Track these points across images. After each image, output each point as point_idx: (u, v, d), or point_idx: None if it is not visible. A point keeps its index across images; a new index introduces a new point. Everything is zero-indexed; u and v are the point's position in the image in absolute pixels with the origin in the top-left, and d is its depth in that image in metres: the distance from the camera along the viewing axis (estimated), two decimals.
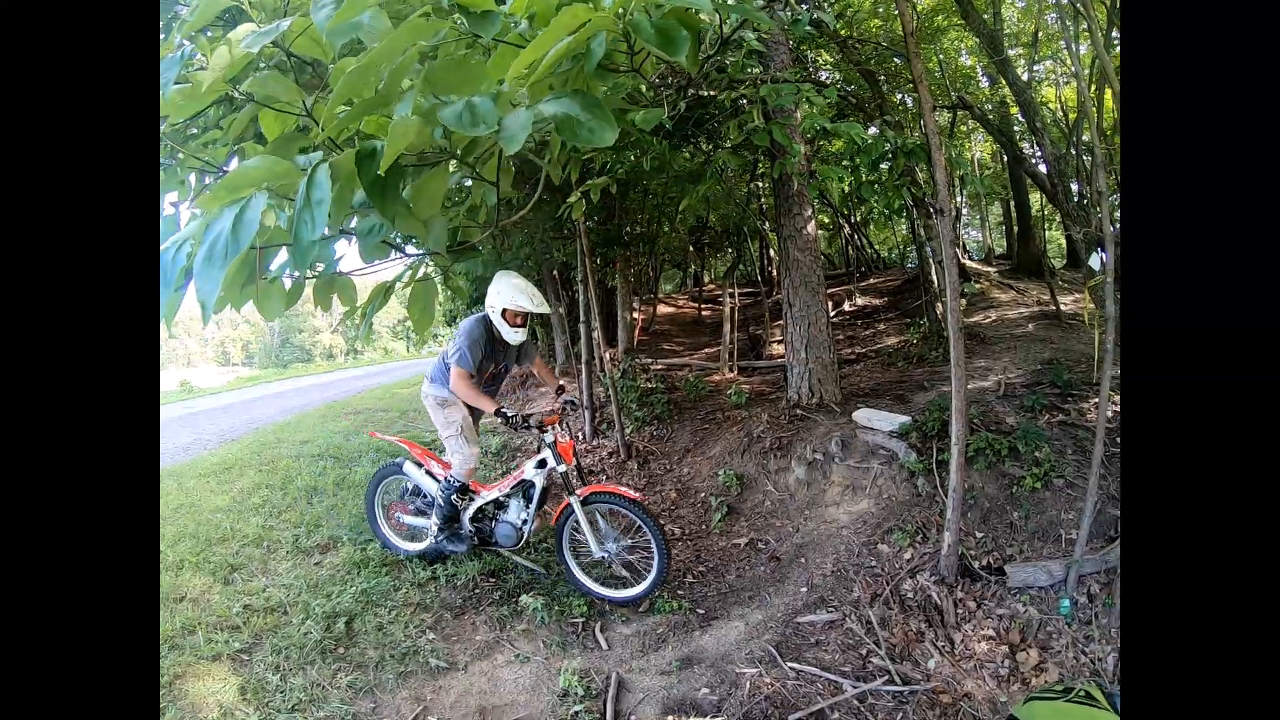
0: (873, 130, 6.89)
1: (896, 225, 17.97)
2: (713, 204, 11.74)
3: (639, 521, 5.21)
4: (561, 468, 5.18)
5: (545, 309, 5.15)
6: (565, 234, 9.55)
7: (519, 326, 5.11)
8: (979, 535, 5.39)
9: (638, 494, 5.30)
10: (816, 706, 3.93)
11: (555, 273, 12.27)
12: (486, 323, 5.16)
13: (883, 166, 6.13)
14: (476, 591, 5.36)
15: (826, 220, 17.57)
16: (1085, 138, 7.46)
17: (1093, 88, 8.03)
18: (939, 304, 10.34)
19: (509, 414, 4.96)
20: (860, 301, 15.63)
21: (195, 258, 1.14)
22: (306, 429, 10.44)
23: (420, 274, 1.89)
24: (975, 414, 6.76)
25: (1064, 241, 17.10)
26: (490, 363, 5.31)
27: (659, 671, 4.38)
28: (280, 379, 24.93)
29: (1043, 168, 8.96)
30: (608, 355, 9.34)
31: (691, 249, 16.26)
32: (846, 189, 6.66)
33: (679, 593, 5.47)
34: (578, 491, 5.22)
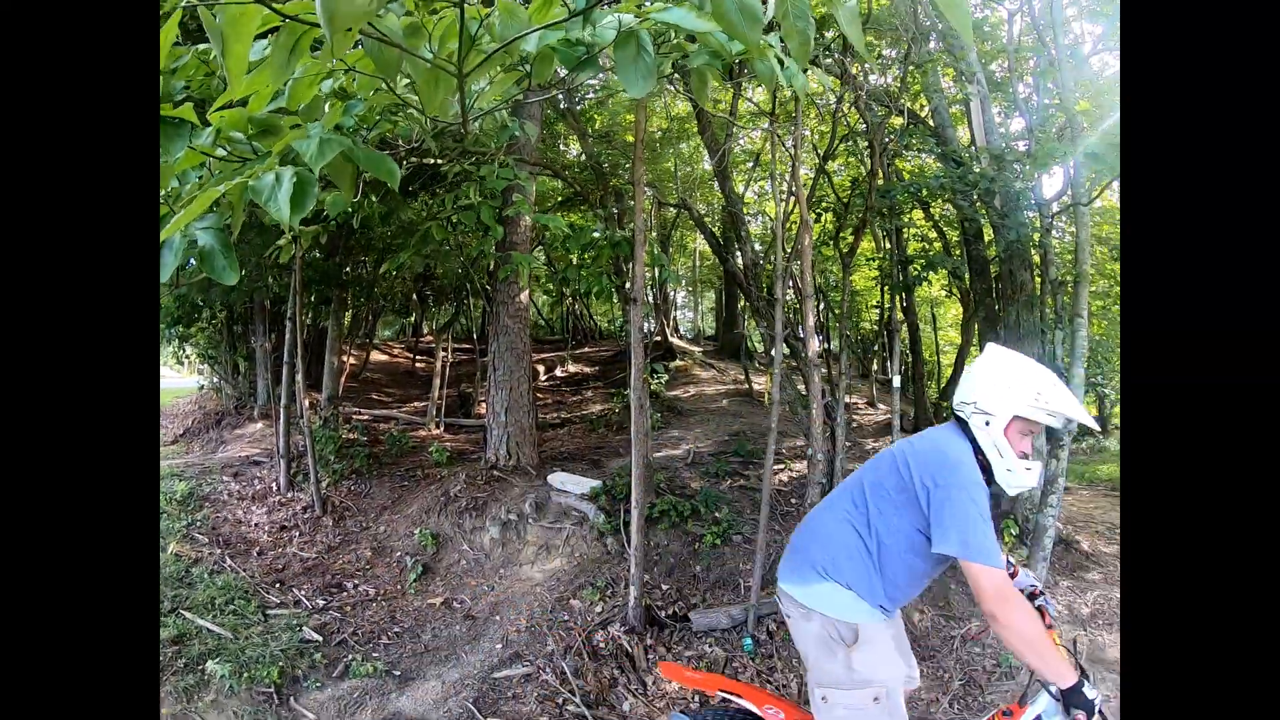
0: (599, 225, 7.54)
1: (613, 302, 19.16)
2: (440, 258, 11.85)
3: None
4: None
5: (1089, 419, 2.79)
6: (282, 264, 9.08)
7: (1027, 457, 2.66)
8: (664, 587, 6.07)
9: None
10: None
11: (266, 304, 11.46)
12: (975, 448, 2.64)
13: (588, 255, 6.70)
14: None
15: (552, 287, 18.32)
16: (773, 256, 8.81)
17: (793, 208, 9.42)
18: None
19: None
20: (572, 368, 16.46)
21: None
22: None
23: None
24: (663, 479, 7.59)
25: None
26: None
27: None
28: None
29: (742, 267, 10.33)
30: (308, 401, 8.92)
31: (415, 298, 16.09)
32: (557, 269, 7.20)
33: (374, 655, 5.43)
34: None
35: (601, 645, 5.35)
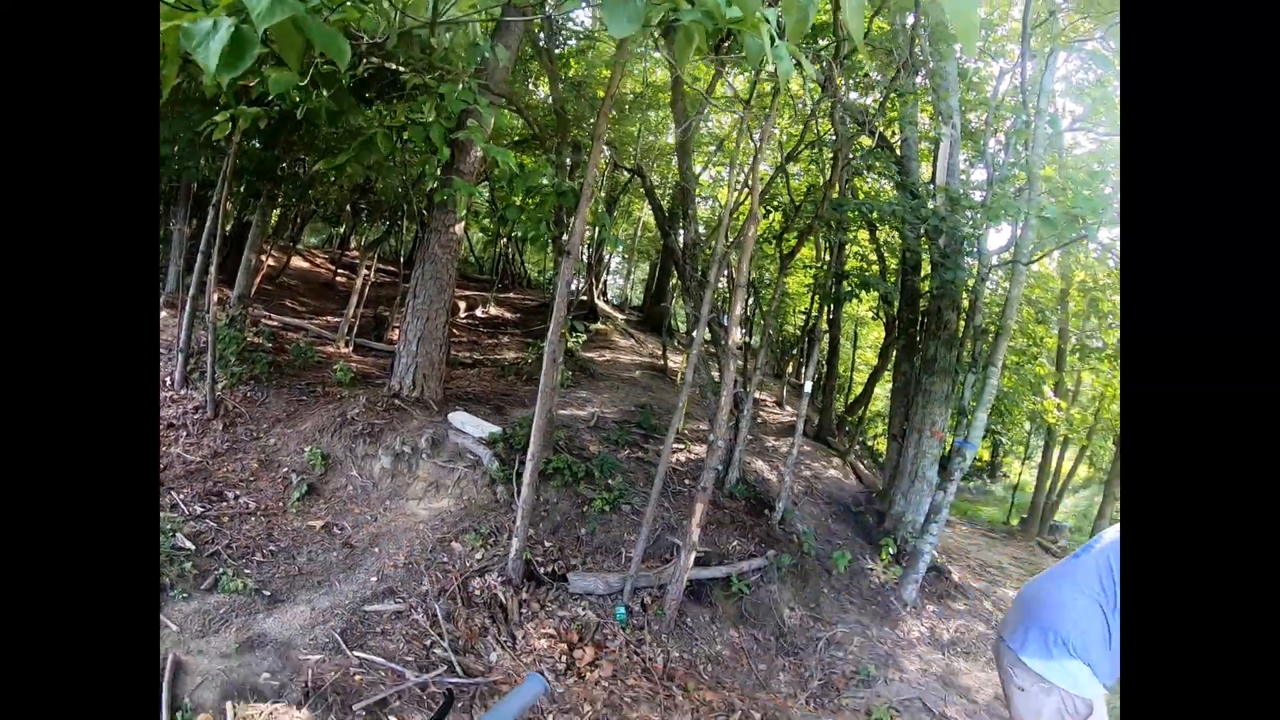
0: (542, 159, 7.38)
1: (546, 251, 18.95)
2: (382, 172, 11.42)
3: None
4: None
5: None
6: (215, 145, 8.57)
7: None
8: (548, 544, 6.11)
9: None
10: (380, 695, 4.10)
11: (193, 186, 10.85)
12: None
13: (533, 197, 6.59)
14: None
15: (489, 224, 17.96)
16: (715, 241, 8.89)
17: (744, 199, 9.46)
18: None
19: None
20: (494, 310, 16.24)
21: None
22: None
23: None
24: (562, 437, 7.61)
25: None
26: None
27: (219, 654, 4.23)
28: None
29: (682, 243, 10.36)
30: (217, 296, 8.52)
31: (349, 209, 15.53)
32: (498, 205, 7.03)
33: (246, 571, 5.28)
34: None
35: (476, 593, 5.35)
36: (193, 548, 5.34)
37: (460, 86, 5.74)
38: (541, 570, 5.80)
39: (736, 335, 6.51)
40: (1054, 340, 14.20)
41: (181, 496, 6.24)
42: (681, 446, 8.87)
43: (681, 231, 9.98)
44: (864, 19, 1.49)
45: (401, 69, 6.72)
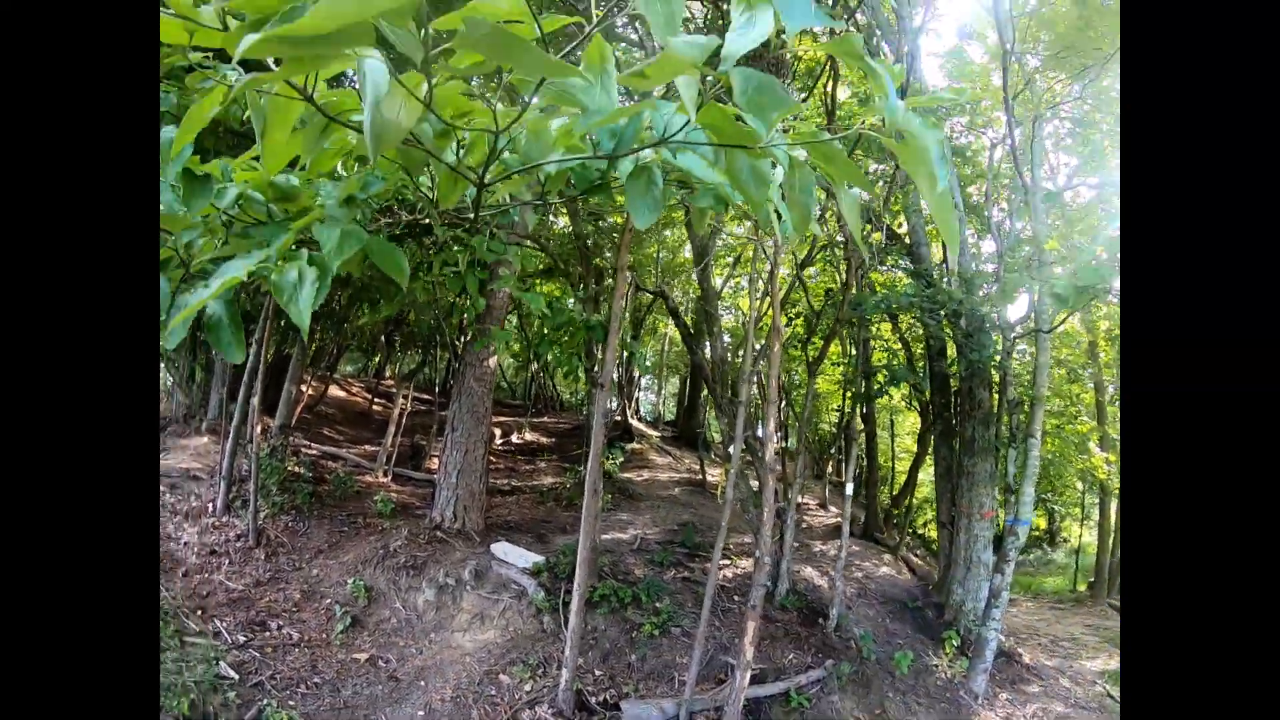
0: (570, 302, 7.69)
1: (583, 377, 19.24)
2: (415, 307, 11.87)
3: None
4: None
5: None
6: (255, 286, 9.02)
7: None
8: (598, 673, 5.98)
9: None
10: None
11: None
12: None
13: (562, 334, 6.83)
14: None
15: (519, 350, 18.37)
16: (740, 356, 9.02)
17: (765, 311, 9.68)
18: None
19: None
20: (529, 436, 16.37)
21: None
22: None
23: None
24: (607, 563, 7.54)
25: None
26: None
27: None
28: None
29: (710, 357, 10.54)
30: (260, 426, 8.79)
31: (382, 339, 16.02)
32: (517, 349, 7.28)
33: (290, 703, 5.29)
34: None
35: None
36: (236, 677, 5.38)
37: (488, 239, 6.07)
38: (593, 700, 5.68)
39: (773, 449, 6.52)
40: (1091, 395, 13.90)
41: (225, 624, 6.29)
42: (728, 562, 8.72)
43: (709, 347, 10.14)
44: (858, 214, 1.63)
45: (426, 220, 7.07)
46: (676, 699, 5.68)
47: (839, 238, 9.06)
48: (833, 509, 13.64)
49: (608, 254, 12.05)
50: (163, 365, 13.24)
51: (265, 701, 5.18)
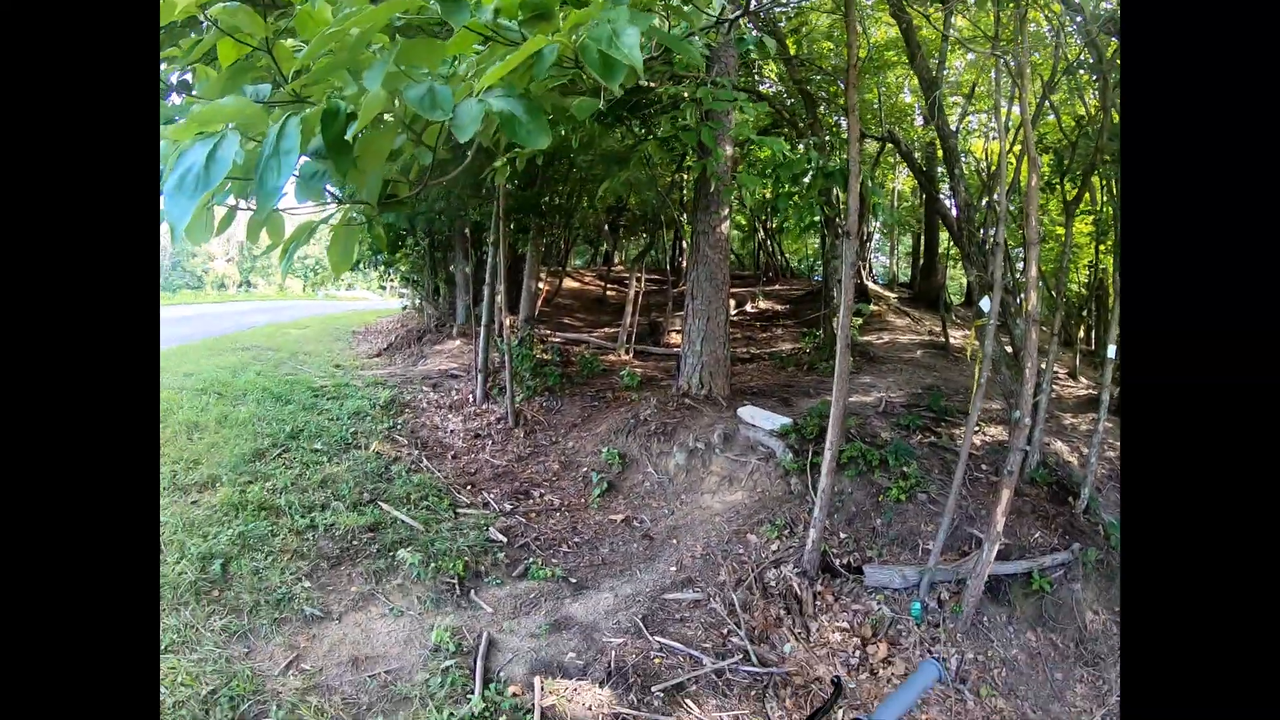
0: (799, 147, 7.16)
1: (809, 238, 18.52)
2: (634, 188, 11.85)
3: None
4: None
5: None
6: (483, 194, 9.47)
7: None
8: (842, 536, 5.76)
9: None
10: (678, 679, 4.14)
11: (467, 231, 12.12)
12: None
13: (802, 181, 6.39)
14: (354, 543, 5.36)
15: (743, 221, 17.95)
16: (996, 195, 8.02)
17: (1014, 148, 8.57)
18: (835, 318, 10.80)
19: None
20: (763, 305, 16.09)
21: (166, 182, 1.19)
22: (191, 361, 9.96)
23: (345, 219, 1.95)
24: (853, 425, 7.19)
25: (965, 280, 18.05)
26: None
27: (529, 634, 4.52)
28: (168, 304, 23.62)
29: (954, 210, 9.49)
30: (508, 321, 9.35)
31: (606, 228, 16.34)
32: (766, 196, 6.91)
33: (553, 561, 5.61)
34: None
35: (772, 584, 5.19)
36: (504, 540, 5.76)
37: (715, 88, 5.76)
38: (837, 562, 5.48)
39: (1034, 299, 5.67)
40: None
41: (492, 496, 6.80)
42: (976, 429, 8.05)
43: (950, 193, 9.13)
44: None
45: (647, 83, 6.87)
46: (919, 567, 5.31)
47: (1087, 57, 7.63)
48: (1083, 380, 12.13)
49: (825, 102, 11.20)
50: (410, 288, 14.57)
51: (530, 560, 5.53)
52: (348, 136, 1.38)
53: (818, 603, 5.10)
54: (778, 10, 9.75)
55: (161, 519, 5.13)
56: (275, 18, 1.42)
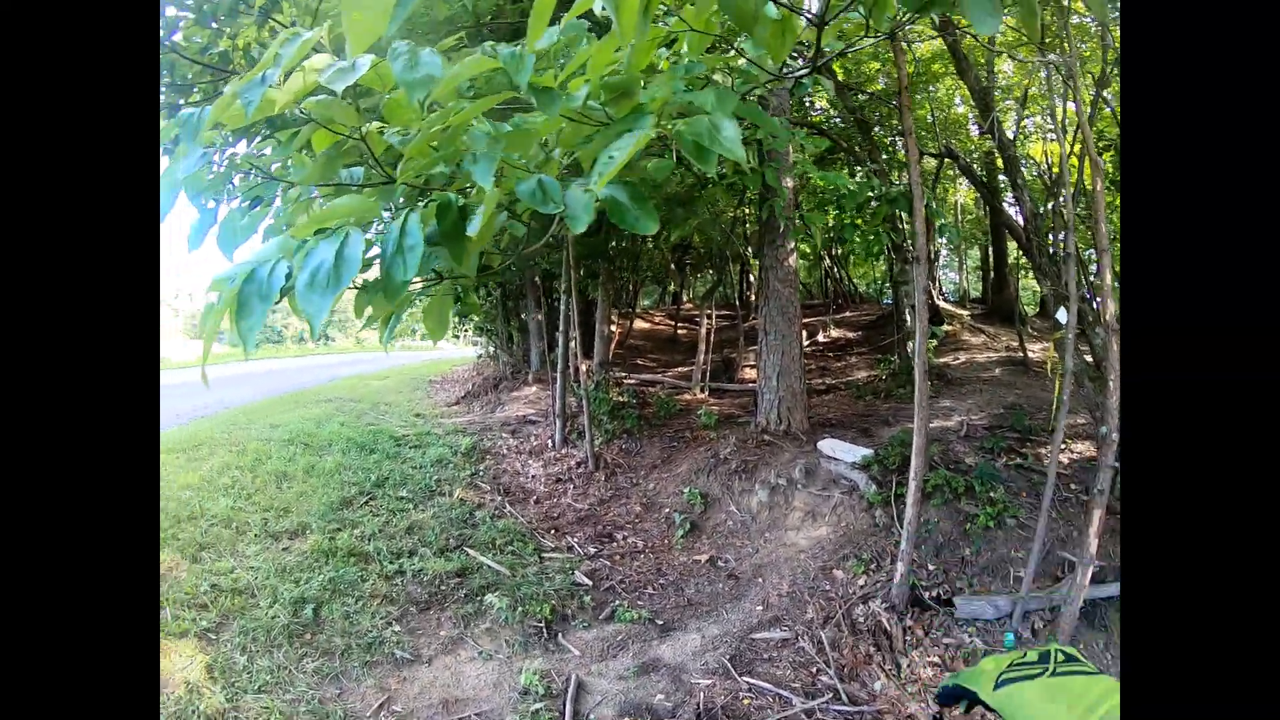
0: (858, 175, 7.17)
1: (875, 262, 18.31)
2: (699, 228, 11.96)
3: None
4: None
5: None
6: (549, 243, 9.68)
7: None
8: (931, 567, 5.63)
9: None
10: None
11: (537, 279, 12.40)
12: None
13: (867, 210, 6.40)
14: (442, 588, 5.49)
15: (807, 250, 17.85)
16: (1061, 199, 7.85)
17: (1074, 149, 8.39)
18: (909, 343, 10.64)
19: None
20: (834, 333, 15.94)
21: (297, 280, 1.29)
22: (277, 413, 10.41)
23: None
24: (936, 452, 7.04)
25: (1037, 290, 17.53)
26: None
27: (617, 676, 4.54)
28: (251, 358, 24.64)
29: (1019, 219, 9.28)
30: (583, 366, 9.51)
31: (673, 267, 16.46)
32: (829, 224, 6.92)
33: (639, 603, 5.62)
34: None
35: (860, 620, 5.09)
36: (590, 583, 5.82)
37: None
38: (926, 595, 5.34)
39: (1112, 307, 5.51)
40: None
41: (576, 539, 6.88)
42: (1062, 447, 7.78)
43: (1015, 204, 8.96)
44: None
45: None
46: (1011, 595, 5.13)
47: None
48: None
49: (875, 129, 11.15)
50: (484, 336, 14.97)
51: (616, 603, 5.57)
52: (470, 232, 1.46)
53: (908, 638, 4.98)
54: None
55: (254, 564, 5.36)
56: (353, 99, 1.52)
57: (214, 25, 4.60)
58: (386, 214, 1.68)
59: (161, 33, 4.29)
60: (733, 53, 1.83)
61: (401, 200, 1.71)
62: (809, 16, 1.43)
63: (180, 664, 4.13)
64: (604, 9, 1.32)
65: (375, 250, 1.42)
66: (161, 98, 4.60)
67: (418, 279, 1.80)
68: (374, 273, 1.50)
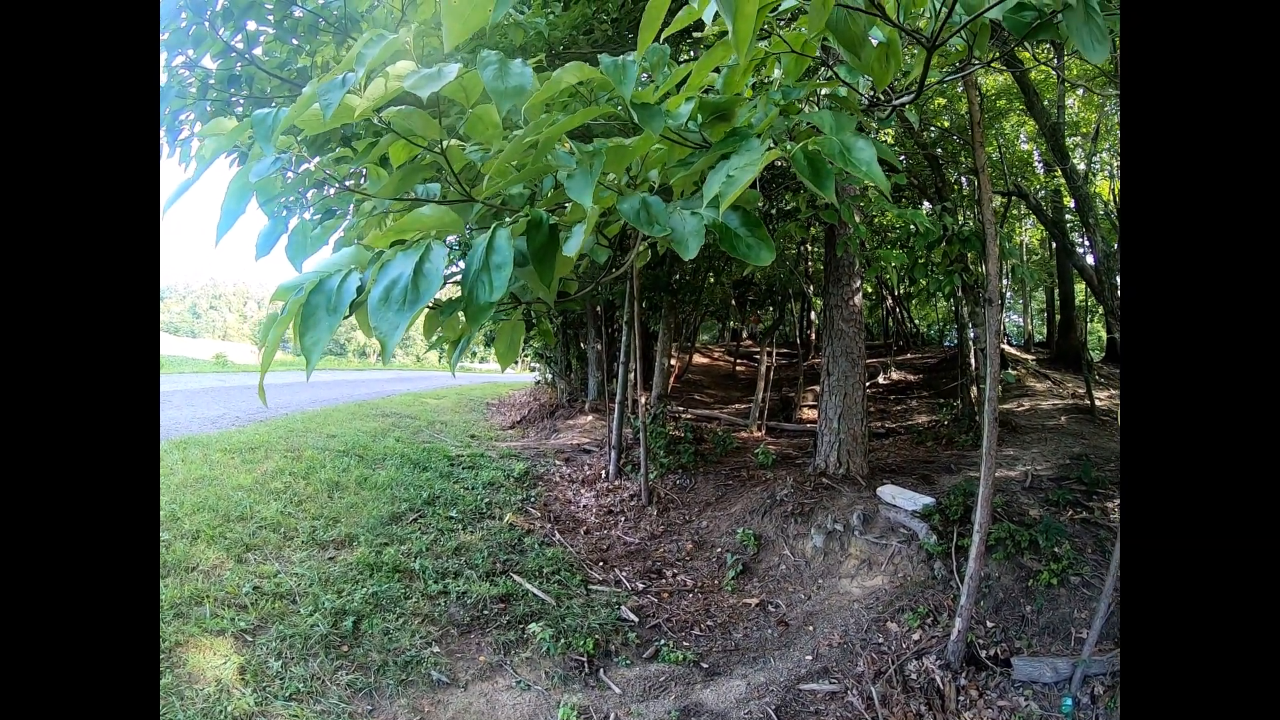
0: (926, 208, 7.03)
1: (938, 303, 17.98)
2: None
3: None
4: None
5: None
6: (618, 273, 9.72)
7: None
8: (989, 625, 5.38)
9: None
10: None
11: (598, 309, 12.46)
12: None
13: (939, 249, 6.25)
14: (485, 613, 5.43)
15: (870, 289, 17.64)
16: None
17: None
18: (974, 388, 10.36)
19: None
20: (895, 375, 15.61)
21: (370, 294, 1.21)
22: (335, 423, 10.58)
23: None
24: (999, 503, 6.77)
25: (1104, 335, 16.93)
26: None
27: (657, 718, 4.41)
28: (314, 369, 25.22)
29: (1090, 260, 8.97)
30: (641, 398, 9.46)
31: (734, 302, 16.38)
32: (900, 267, 6.80)
33: (685, 644, 5.48)
34: None
35: (913, 676, 4.87)
36: (636, 620, 5.70)
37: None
38: (983, 654, 5.09)
39: None
40: None
41: (624, 574, 6.77)
42: None
43: (1086, 245, 8.67)
44: None
45: (784, 162, 7.03)
46: (1072, 658, 4.85)
47: None
48: None
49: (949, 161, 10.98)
50: (542, 363, 15.09)
51: (662, 642, 5.44)
52: (568, 251, 1.39)
53: (961, 698, 4.74)
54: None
55: (298, 571, 5.38)
56: (435, 111, 1.47)
57: (294, 42, 4.71)
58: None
59: (243, 46, 4.41)
60: (831, 78, 1.77)
61: (475, 222, 1.67)
62: (922, 39, 1.35)
63: (214, 661, 4.14)
64: (715, 17, 1.26)
65: (451, 267, 1.38)
66: (239, 110, 4.73)
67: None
68: (443, 291, 1.45)
